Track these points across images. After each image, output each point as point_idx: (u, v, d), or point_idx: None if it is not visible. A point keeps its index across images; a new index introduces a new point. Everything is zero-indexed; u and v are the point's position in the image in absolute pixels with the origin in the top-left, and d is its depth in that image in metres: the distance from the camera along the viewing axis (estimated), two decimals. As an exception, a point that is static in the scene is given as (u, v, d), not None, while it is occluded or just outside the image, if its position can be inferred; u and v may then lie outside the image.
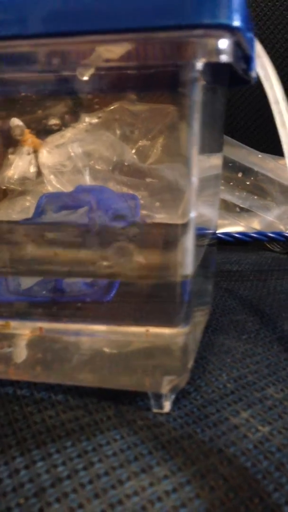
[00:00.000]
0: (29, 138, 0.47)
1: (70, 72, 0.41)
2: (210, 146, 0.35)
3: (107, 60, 0.26)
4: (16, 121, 0.46)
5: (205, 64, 0.24)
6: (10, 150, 0.46)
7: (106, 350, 0.34)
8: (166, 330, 0.31)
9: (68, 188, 0.46)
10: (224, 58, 0.23)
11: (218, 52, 0.23)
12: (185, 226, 0.27)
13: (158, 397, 0.30)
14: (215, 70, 0.28)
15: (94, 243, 0.33)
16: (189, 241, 0.27)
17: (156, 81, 0.37)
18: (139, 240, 0.31)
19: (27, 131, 0.46)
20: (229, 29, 0.22)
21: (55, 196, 0.46)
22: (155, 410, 0.30)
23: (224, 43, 0.22)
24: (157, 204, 0.45)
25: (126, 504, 0.24)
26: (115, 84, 0.41)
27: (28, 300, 0.41)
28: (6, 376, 0.32)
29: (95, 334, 0.37)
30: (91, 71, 0.37)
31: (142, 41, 0.24)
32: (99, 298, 0.40)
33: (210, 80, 0.28)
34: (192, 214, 0.26)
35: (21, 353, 0.36)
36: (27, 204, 0.48)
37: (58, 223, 0.42)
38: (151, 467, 0.25)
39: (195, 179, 0.26)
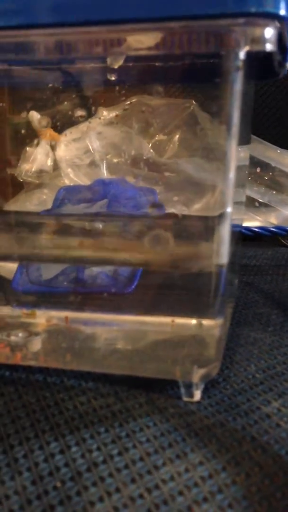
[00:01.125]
0: (47, 131, 0.47)
1: (100, 63, 0.41)
2: (241, 138, 0.35)
3: (148, 49, 0.27)
4: (35, 114, 0.46)
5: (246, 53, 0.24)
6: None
7: (136, 339, 0.34)
8: (199, 321, 0.32)
9: (85, 182, 0.46)
10: (268, 47, 0.23)
11: (263, 41, 0.23)
12: (221, 216, 0.27)
13: (189, 386, 0.30)
14: (249, 61, 0.28)
15: (131, 232, 0.34)
16: (225, 231, 0.27)
17: (195, 72, 0.37)
18: (176, 230, 0.31)
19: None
20: (275, 18, 0.22)
21: (74, 189, 0.46)
22: (185, 399, 0.30)
23: (269, 32, 0.23)
24: (175, 198, 0.45)
25: (163, 488, 0.24)
26: (147, 75, 0.41)
27: (49, 290, 0.42)
28: (37, 363, 0.33)
29: (124, 324, 0.37)
30: (121, 61, 0.38)
31: (184, 29, 0.24)
32: (120, 290, 0.40)
33: (246, 71, 0.28)
34: (229, 205, 0.26)
35: (48, 341, 0.36)
36: (44, 197, 0.48)
37: (98, 213, 0.42)
38: (185, 454, 0.26)
39: (232, 171, 0.26)
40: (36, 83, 0.43)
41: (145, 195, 0.45)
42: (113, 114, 0.48)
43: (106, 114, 0.48)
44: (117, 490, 0.24)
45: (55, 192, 0.44)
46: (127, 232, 0.34)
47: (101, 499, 0.23)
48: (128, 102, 0.47)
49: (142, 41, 0.32)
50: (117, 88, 0.45)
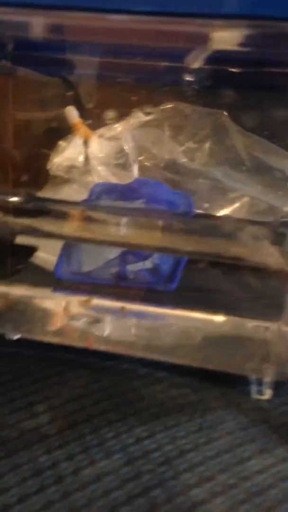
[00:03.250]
0: (81, 127, 0.47)
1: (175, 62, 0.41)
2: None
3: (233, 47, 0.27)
4: (71, 109, 0.47)
5: None
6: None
7: (204, 334, 0.35)
8: (272, 321, 0.32)
9: (114, 181, 0.47)
10: None
11: None
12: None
13: (260, 384, 0.31)
14: None
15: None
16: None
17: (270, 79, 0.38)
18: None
19: (79, 120, 0.47)
20: None
21: (111, 186, 0.46)
22: (257, 396, 0.31)
23: None
24: (206, 205, 0.46)
25: (254, 480, 0.24)
26: (221, 80, 0.42)
27: (92, 282, 0.42)
28: (109, 349, 0.33)
29: (186, 319, 0.38)
30: (201, 61, 0.38)
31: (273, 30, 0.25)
32: (162, 287, 0.41)
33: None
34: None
35: (113, 327, 0.37)
36: (72, 192, 0.48)
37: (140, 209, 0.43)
38: (270, 449, 0.26)
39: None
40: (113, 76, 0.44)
41: (181, 199, 0.45)
42: (148, 117, 0.49)
43: (141, 116, 0.49)
44: (211, 478, 0.24)
45: (84, 189, 0.45)
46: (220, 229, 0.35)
47: (196, 485, 0.24)
48: (164, 106, 0.48)
49: (227, 39, 0.33)
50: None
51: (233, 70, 0.41)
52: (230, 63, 0.41)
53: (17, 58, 0.41)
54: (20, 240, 0.40)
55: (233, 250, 0.32)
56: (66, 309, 0.38)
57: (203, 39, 0.34)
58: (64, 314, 0.37)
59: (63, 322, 0.36)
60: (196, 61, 0.38)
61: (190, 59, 0.38)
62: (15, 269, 0.41)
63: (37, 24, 0.31)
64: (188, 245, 0.35)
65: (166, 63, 0.43)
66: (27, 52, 0.40)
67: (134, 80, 0.45)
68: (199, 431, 0.27)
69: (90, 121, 0.46)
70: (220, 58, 0.41)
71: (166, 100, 0.47)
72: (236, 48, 0.32)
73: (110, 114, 0.46)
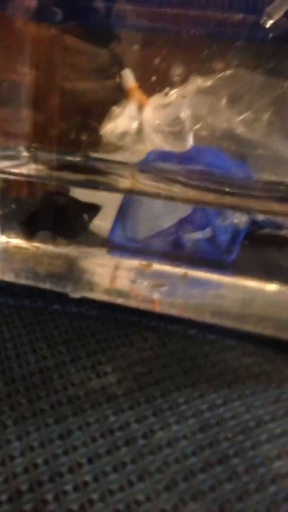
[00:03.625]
0: (136, 93, 0.45)
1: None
2: None
3: None
4: (127, 73, 0.44)
5: None
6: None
7: (282, 304, 0.33)
8: None
9: (169, 148, 0.45)
10: None
11: None
12: None
13: None
14: None
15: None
16: None
17: None
18: None
19: (135, 85, 0.44)
20: None
21: (166, 154, 0.44)
22: None
23: None
24: (265, 176, 0.43)
25: None
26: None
27: (147, 248, 0.40)
28: (177, 313, 0.32)
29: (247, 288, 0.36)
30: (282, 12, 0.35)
31: None
32: (219, 258, 0.39)
33: None
34: None
35: (177, 292, 0.35)
36: (124, 160, 0.46)
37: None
38: None
39: None
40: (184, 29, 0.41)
41: (238, 168, 0.43)
42: (207, 83, 0.46)
43: (199, 82, 0.46)
44: (294, 450, 0.23)
45: (136, 156, 0.43)
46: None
47: (279, 457, 0.22)
48: (224, 73, 0.45)
49: None
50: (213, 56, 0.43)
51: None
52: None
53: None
54: (77, 196, 0.39)
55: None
56: (127, 272, 0.37)
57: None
58: (126, 277, 0.36)
59: (124, 284, 0.35)
60: (278, 12, 0.35)
61: (271, 9, 0.35)
62: (76, 231, 0.40)
63: None
64: (259, 205, 0.33)
65: (241, 15, 0.40)
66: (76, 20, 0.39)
67: (203, 36, 0.43)
68: (277, 402, 0.25)
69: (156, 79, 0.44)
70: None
71: (237, 58, 0.44)
72: None
73: (177, 71, 0.44)
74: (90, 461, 0.22)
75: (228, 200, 0.37)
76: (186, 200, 0.39)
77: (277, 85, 0.44)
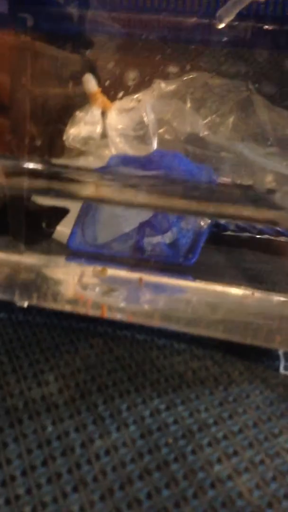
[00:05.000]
0: (100, 97, 0.45)
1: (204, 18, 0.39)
2: None
3: None
4: (89, 78, 0.44)
5: None
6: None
7: (233, 307, 0.32)
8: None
9: (133, 153, 0.44)
10: None
11: None
12: None
13: (288, 359, 0.28)
14: None
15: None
16: None
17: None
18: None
19: (98, 90, 0.44)
20: None
21: (128, 157, 0.44)
22: (284, 372, 0.28)
23: None
24: (228, 179, 0.43)
25: (286, 457, 0.22)
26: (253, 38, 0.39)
27: (106, 253, 0.40)
28: (124, 319, 0.31)
29: (203, 291, 0.35)
30: (232, 16, 0.35)
31: None
32: (180, 261, 0.39)
33: None
34: None
35: (128, 298, 0.35)
36: (87, 164, 0.46)
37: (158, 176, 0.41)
38: (302, 424, 0.24)
39: None
40: (137, 34, 0.41)
41: (202, 172, 0.43)
42: (170, 87, 0.46)
43: (163, 86, 0.46)
44: (235, 453, 0.22)
45: (100, 161, 0.42)
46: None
47: (219, 461, 0.22)
48: (187, 77, 0.45)
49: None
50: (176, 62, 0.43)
51: (268, 27, 0.38)
52: (265, 18, 0.38)
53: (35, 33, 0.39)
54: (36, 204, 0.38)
55: (267, 213, 0.29)
56: (80, 278, 0.36)
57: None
58: (78, 283, 0.35)
59: (76, 291, 0.34)
60: (229, 15, 0.35)
61: (222, 12, 0.35)
62: (31, 239, 0.39)
63: None
64: (213, 208, 0.32)
65: (194, 19, 0.40)
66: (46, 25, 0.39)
67: (159, 39, 0.42)
68: (222, 405, 0.25)
69: (109, 83, 0.44)
70: (254, 13, 0.38)
71: (192, 62, 0.44)
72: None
73: (131, 75, 0.44)
74: (24, 473, 0.21)
75: (191, 205, 0.36)
76: (148, 206, 0.38)
77: (241, 88, 0.44)
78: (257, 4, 0.36)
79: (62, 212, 0.41)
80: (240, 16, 0.35)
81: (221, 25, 0.37)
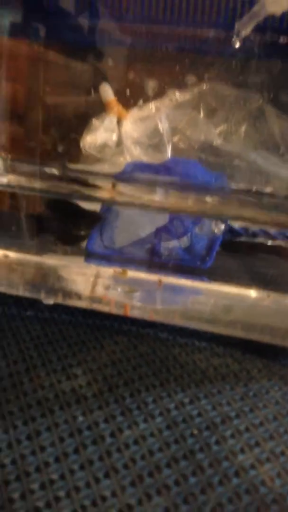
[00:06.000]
0: (116, 106, 0.46)
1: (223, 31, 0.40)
2: None
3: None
4: (106, 87, 0.46)
5: None
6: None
7: (251, 307, 0.34)
8: None
9: (147, 160, 0.46)
10: None
11: None
12: None
13: (305, 357, 0.30)
14: None
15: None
16: None
17: None
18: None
19: (114, 99, 0.45)
20: None
21: (144, 165, 0.45)
22: (301, 369, 0.29)
23: None
24: (242, 186, 0.44)
25: (305, 449, 0.23)
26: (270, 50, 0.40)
27: (124, 257, 0.41)
28: (147, 317, 0.32)
29: (219, 293, 0.36)
30: (250, 28, 0.37)
31: None
32: (196, 265, 0.40)
33: None
34: None
35: (150, 298, 0.36)
36: (104, 172, 0.47)
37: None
38: None
39: None
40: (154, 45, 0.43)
41: (215, 179, 0.44)
42: (184, 97, 0.48)
43: (178, 96, 0.47)
44: (257, 444, 0.23)
45: (116, 168, 0.44)
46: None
47: (242, 451, 0.23)
48: (201, 87, 0.47)
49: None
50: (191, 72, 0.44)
51: (284, 40, 0.40)
52: (281, 31, 0.39)
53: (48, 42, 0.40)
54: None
55: (281, 218, 0.31)
56: (101, 279, 0.37)
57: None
58: (99, 283, 0.37)
59: (99, 291, 0.35)
60: (246, 27, 0.37)
61: (240, 25, 0.37)
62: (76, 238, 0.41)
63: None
64: (231, 210, 0.33)
65: (213, 31, 0.41)
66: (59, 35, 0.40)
67: (178, 50, 0.44)
68: (243, 399, 0.26)
69: (129, 93, 0.45)
70: (271, 26, 0.40)
71: (209, 73, 0.45)
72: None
73: (151, 84, 0.45)
74: (57, 460, 0.22)
75: (206, 207, 0.37)
76: (164, 209, 0.40)
77: (253, 98, 0.45)
78: (272, 18, 0.38)
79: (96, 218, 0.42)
80: (256, 29, 0.37)
81: (238, 44, 0.38)
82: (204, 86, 0.47)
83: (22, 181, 0.39)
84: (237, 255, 0.41)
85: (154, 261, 0.41)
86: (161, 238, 0.42)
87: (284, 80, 0.42)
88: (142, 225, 0.42)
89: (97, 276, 0.38)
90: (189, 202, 0.38)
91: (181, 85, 0.46)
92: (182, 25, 0.42)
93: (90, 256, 0.40)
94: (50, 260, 0.39)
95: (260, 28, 0.38)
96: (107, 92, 0.45)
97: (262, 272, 0.39)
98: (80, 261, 0.40)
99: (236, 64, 0.44)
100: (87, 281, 0.39)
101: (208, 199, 0.38)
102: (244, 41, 0.39)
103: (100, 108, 0.46)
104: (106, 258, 0.40)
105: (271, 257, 0.39)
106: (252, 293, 0.36)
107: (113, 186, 0.40)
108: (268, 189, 0.43)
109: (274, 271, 0.39)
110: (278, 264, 0.39)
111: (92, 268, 0.40)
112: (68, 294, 0.34)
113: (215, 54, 0.44)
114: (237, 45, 0.40)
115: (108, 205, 0.41)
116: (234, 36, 0.38)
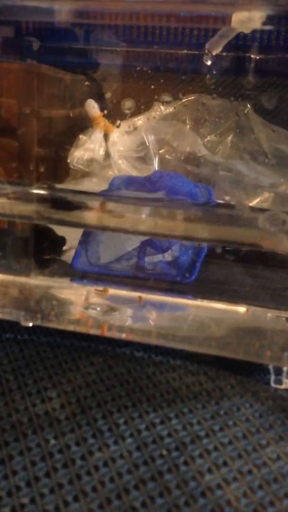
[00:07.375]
0: (102, 121, 0.47)
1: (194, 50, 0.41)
2: None
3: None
4: (92, 103, 0.46)
5: None
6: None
7: (218, 323, 0.34)
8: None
9: (135, 174, 0.46)
10: None
11: None
12: None
13: (278, 373, 0.30)
14: None
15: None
16: None
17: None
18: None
19: (100, 114, 0.46)
20: None
21: (130, 178, 0.46)
22: (274, 385, 0.30)
23: None
24: (227, 198, 0.45)
25: (272, 466, 0.24)
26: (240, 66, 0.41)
27: (109, 273, 0.42)
28: (123, 337, 0.33)
29: (199, 308, 0.37)
30: (220, 48, 0.38)
31: None
32: (180, 279, 0.40)
33: None
34: None
35: (128, 317, 0.36)
36: (92, 186, 0.48)
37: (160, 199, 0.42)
38: (288, 436, 0.25)
39: None
40: (131, 65, 0.44)
41: (201, 191, 0.45)
42: (169, 109, 0.48)
43: (162, 109, 0.48)
44: (225, 463, 0.24)
45: (104, 182, 0.44)
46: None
47: (210, 471, 0.23)
48: (185, 99, 0.47)
49: (250, 19, 0.32)
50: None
51: (255, 56, 0.40)
52: (251, 48, 0.40)
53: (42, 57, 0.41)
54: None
55: (252, 237, 0.31)
56: (82, 298, 0.38)
57: (224, 21, 0.34)
58: (80, 303, 0.37)
59: (78, 311, 0.36)
60: (216, 47, 0.38)
61: (210, 45, 0.37)
62: (40, 262, 0.41)
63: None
64: (207, 233, 0.34)
65: (186, 51, 0.42)
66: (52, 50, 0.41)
67: (153, 69, 0.45)
68: (214, 418, 0.26)
69: (107, 112, 0.46)
70: (241, 43, 0.40)
71: (186, 89, 0.46)
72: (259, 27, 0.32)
73: (128, 104, 0.46)
74: (28, 484, 0.23)
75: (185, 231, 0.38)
76: (150, 235, 0.40)
77: (238, 108, 0.46)
78: (243, 36, 0.38)
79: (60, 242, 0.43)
80: (227, 47, 0.37)
81: (209, 62, 0.39)
82: (189, 98, 0.47)
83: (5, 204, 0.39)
84: (220, 267, 0.41)
85: (139, 276, 0.42)
86: (145, 252, 0.42)
87: (258, 94, 0.43)
88: (127, 239, 0.43)
89: (79, 296, 0.39)
90: (170, 225, 0.38)
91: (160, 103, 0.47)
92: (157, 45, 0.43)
93: (75, 275, 0.41)
94: (32, 281, 0.40)
95: (232, 47, 0.39)
96: (93, 107, 0.46)
97: (243, 286, 0.39)
98: (65, 281, 0.41)
99: (213, 81, 0.45)
100: (69, 301, 0.39)
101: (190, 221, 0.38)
102: (216, 58, 0.40)
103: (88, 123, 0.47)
104: (91, 276, 0.41)
105: (255, 267, 0.40)
106: (231, 307, 0.36)
107: (102, 205, 0.41)
108: (247, 201, 0.44)
109: (256, 284, 0.39)
110: (261, 275, 0.39)
111: (75, 288, 0.40)
112: (47, 316, 0.35)
113: (191, 72, 0.45)
114: (209, 65, 0.40)
115: (95, 229, 0.42)
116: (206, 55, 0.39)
